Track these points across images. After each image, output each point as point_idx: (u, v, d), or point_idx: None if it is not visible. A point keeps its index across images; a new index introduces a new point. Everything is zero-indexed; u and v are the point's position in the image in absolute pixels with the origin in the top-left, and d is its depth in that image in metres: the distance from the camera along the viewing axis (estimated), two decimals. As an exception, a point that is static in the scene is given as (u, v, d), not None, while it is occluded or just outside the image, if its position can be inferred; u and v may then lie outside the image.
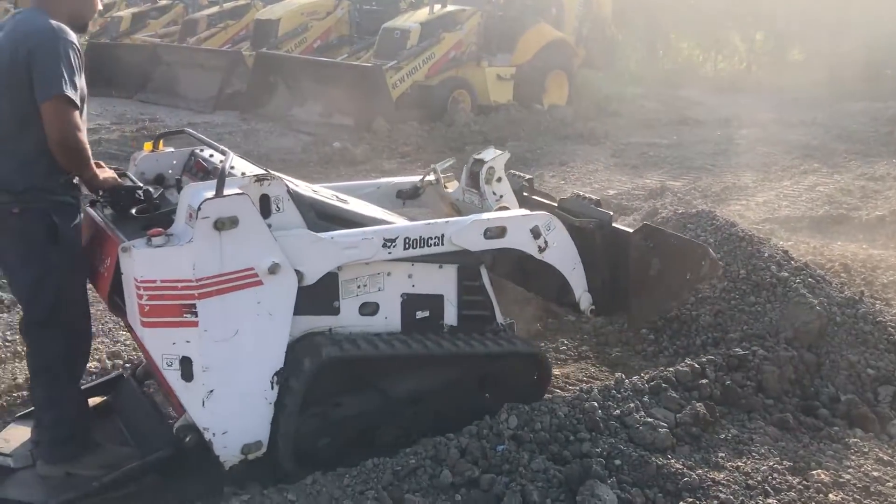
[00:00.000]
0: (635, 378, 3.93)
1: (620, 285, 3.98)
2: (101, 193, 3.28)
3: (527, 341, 4.03)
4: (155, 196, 3.31)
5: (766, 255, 5.00)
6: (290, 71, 13.15)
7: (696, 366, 4.01)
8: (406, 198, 4.38)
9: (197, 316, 2.89)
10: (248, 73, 13.53)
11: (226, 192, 2.88)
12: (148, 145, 3.83)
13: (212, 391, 2.98)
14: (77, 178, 3.20)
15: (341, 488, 3.12)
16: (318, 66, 13.01)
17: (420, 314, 3.61)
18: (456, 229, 3.53)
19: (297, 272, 3.09)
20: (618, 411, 3.60)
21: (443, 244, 3.50)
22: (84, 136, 3.06)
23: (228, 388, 3.02)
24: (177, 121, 12.36)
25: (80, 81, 3.07)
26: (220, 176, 2.92)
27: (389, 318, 3.52)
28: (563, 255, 3.88)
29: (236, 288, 2.94)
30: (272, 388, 3.13)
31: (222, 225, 2.85)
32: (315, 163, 10.08)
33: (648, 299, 4.00)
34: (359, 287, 3.41)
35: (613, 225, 3.98)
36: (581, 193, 4.20)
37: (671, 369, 4.01)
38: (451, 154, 10.77)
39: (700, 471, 3.34)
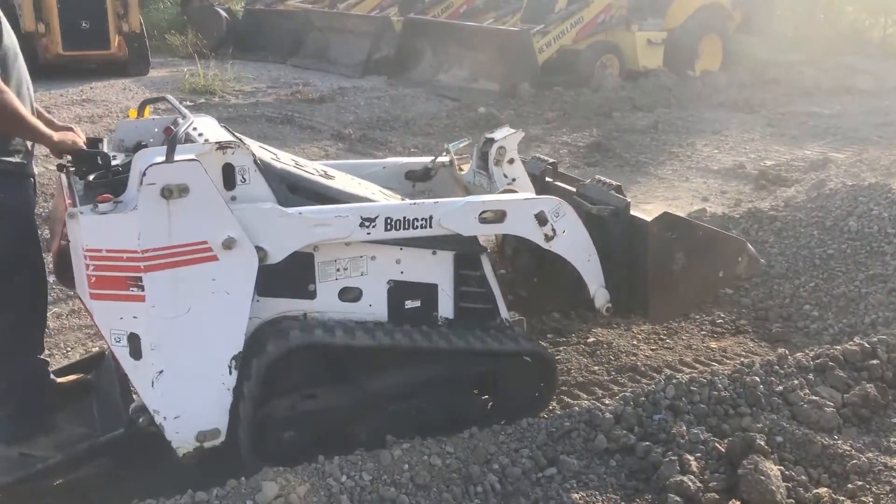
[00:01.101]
0: (799, 354, 3.77)
1: (639, 280, 3.57)
2: (67, 158, 3.10)
3: (531, 341, 3.58)
4: (122, 163, 3.08)
5: (947, 232, 4.66)
6: (437, 36, 13.24)
7: (867, 345, 3.80)
8: (416, 179, 4.07)
9: (143, 290, 2.68)
10: (397, 39, 13.72)
11: (176, 157, 2.65)
12: (133, 112, 3.64)
13: (161, 372, 2.79)
14: (29, 143, 3.06)
15: (496, 444, 3.17)
16: (465, 31, 13.03)
17: (410, 304, 3.31)
18: (446, 211, 3.18)
19: (259, 249, 2.84)
20: (780, 387, 3.47)
21: (431, 227, 3.16)
22: (9, 98, 2.80)
23: (180, 370, 2.82)
24: (328, 85, 12.73)
25: None
26: (170, 141, 2.70)
27: (375, 305, 3.24)
28: (574, 245, 3.47)
29: (187, 262, 2.72)
30: (230, 372, 2.90)
31: (169, 193, 2.62)
32: (460, 128, 10.14)
33: (670, 296, 3.60)
34: (338, 270, 3.14)
35: (632, 213, 3.53)
36: (601, 178, 3.77)
37: (838, 347, 3.82)
38: (597, 120, 10.67)
39: (870, 454, 3.17)
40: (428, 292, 3.35)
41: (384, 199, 3.38)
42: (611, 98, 11.52)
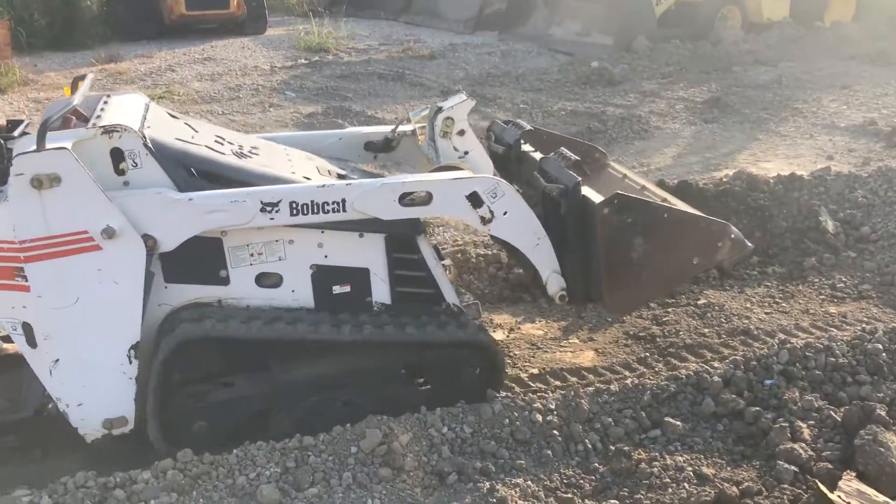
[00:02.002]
0: (928, 322, 3.56)
1: (594, 267, 3.23)
2: None
3: (471, 327, 3.22)
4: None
5: None
6: (550, -12, 12.98)
7: None
8: (377, 150, 3.78)
9: (27, 280, 2.66)
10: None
11: (47, 146, 2.56)
12: (67, 90, 3.47)
13: (57, 360, 2.78)
14: None
15: (599, 404, 3.15)
16: (579, -17, 12.71)
17: (339, 289, 3.12)
18: (360, 193, 2.94)
19: (148, 237, 2.74)
20: (905, 356, 3.29)
21: (344, 210, 2.94)
22: None
23: (76, 359, 2.79)
24: (438, 42, 12.70)
25: None
26: (41, 128, 2.58)
27: (298, 291, 3.08)
28: (518, 227, 3.17)
29: (69, 252, 2.67)
30: (130, 362, 2.84)
31: (39, 183, 2.55)
32: (572, 83, 9.95)
33: (630, 285, 3.25)
34: (252, 255, 2.99)
35: (584, 193, 3.16)
36: (564, 151, 3.36)
37: (973, 316, 3.58)
38: (716, 75, 10.24)
39: None
40: (358, 277, 3.15)
41: (319, 179, 3.17)
42: (731, 52, 11.04)
